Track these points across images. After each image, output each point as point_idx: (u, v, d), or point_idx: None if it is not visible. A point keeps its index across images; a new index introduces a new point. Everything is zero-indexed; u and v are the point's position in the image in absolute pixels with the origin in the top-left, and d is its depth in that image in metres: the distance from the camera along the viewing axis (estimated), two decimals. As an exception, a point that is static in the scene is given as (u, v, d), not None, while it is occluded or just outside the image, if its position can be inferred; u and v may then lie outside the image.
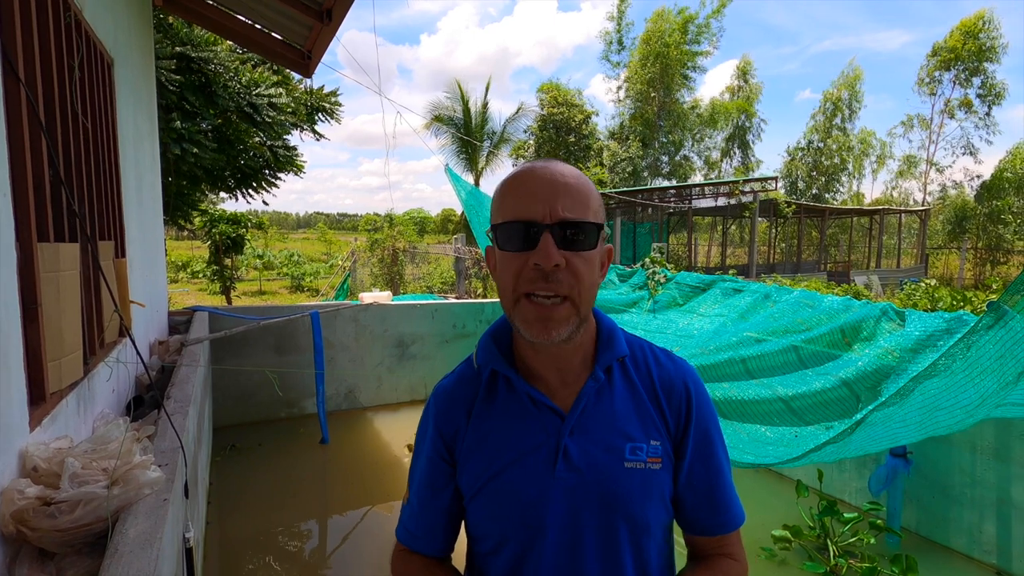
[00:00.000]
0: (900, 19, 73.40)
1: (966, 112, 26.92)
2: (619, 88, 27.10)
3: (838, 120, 29.01)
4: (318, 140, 8.57)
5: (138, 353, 1.73)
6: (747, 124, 30.15)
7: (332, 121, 8.56)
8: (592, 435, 0.79)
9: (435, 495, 0.86)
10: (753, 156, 30.64)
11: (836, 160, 29.09)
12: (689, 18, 24.78)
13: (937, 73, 26.50)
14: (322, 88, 8.33)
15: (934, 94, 27.29)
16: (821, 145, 29.24)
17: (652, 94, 24.97)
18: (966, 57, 25.01)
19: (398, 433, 4.98)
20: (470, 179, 20.37)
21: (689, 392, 0.84)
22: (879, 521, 3.16)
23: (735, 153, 30.52)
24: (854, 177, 31.39)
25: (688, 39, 24.79)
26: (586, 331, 0.82)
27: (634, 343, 0.88)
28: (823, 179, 29.53)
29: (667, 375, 0.85)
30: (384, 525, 3.57)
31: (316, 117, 8.31)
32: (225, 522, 3.49)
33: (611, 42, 27.45)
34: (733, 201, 17.85)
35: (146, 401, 2.51)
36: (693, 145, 28.24)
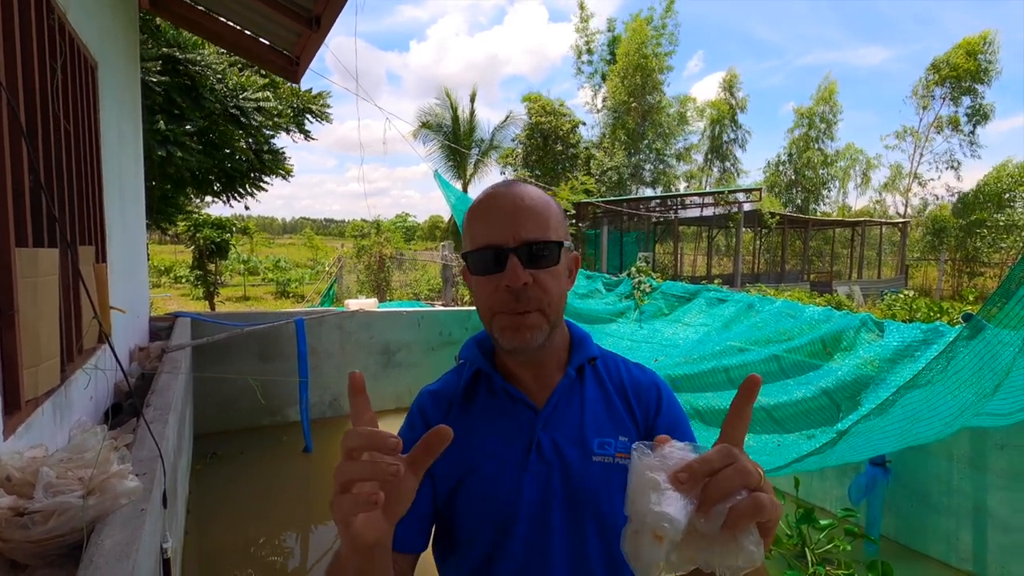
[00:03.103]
0: (880, 35, 75.22)
1: (952, 129, 27.60)
2: (595, 96, 27.52)
3: (814, 134, 29.56)
4: (307, 140, 8.54)
5: (117, 360, 1.71)
6: (730, 134, 30.61)
7: (323, 122, 8.54)
8: (563, 429, 0.84)
9: (419, 489, 0.84)
10: (733, 165, 31.10)
11: (816, 173, 29.63)
12: (647, 19, 25.31)
13: (934, 88, 27.09)
14: (310, 90, 8.31)
15: (927, 107, 27.92)
16: (801, 158, 29.79)
17: (633, 103, 25.36)
18: (964, 76, 25.61)
19: (383, 441, 4.94)
20: (458, 186, 20.39)
21: (660, 391, 0.89)
22: (856, 528, 3.20)
23: (715, 162, 31.00)
24: (843, 190, 32.04)
25: (650, 40, 25.30)
26: (559, 338, 0.87)
27: (606, 352, 0.94)
28: (804, 192, 30.06)
29: (636, 378, 0.91)
30: (367, 535, 3.53)
31: (304, 119, 8.28)
32: (204, 532, 3.43)
33: (580, 53, 27.90)
34: (720, 210, 18.08)
35: (125, 409, 2.47)
36: (674, 152, 28.62)
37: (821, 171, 29.73)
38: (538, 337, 0.79)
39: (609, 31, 27.14)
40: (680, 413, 0.90)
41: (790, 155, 30.43)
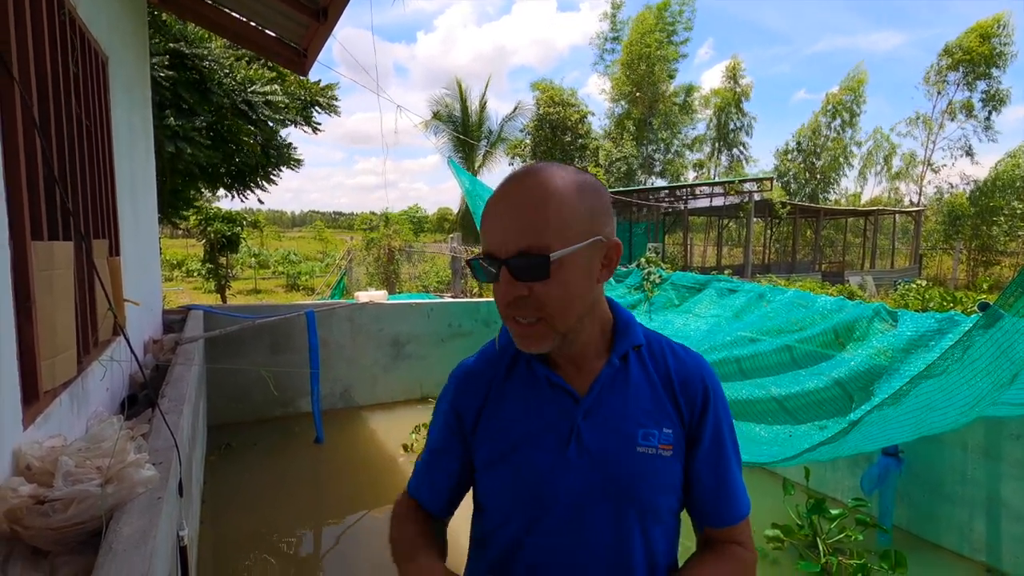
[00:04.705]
0: (893, 20, 73.76)
1: (966, 115, 27.07)
2: (613, 86, 27.27)
3: (837, 123, 29.13)
4: (316, 133, 8.53)
5: (132, 352, 1.73)
6: (736, 122, 30.28)
7: (331, 114, 8.53)
8: (606, 419, 0.82)
9: (444, 461, 0.92)
10: (742, 153, 30.82)
11: (830, 160, 29.24)
12: (663, 5, 25.02)
13: (947, 73, 26.57)
14: (319, 82, 8.28)
15: (941, 92, 27.40)
16: (813, 146, 29.41)
17: (638, 94, 25.16)
18: (978, 60, 25.07)
19: (393, 432, 4.98)
20: (467, 178, 20.32)
21: (706, 386, 0.86)
22: (868, 518, 3.18)
23: (722, 150, 30.73)
24: (863, 176, 31.63)
25: (665, 28, 25.01)
26: (594, 327, 0.84)
27: (652, 336, 0.90)
28: (816, 179, 29.70)
29: (684, 367, 0.87)
30: (379, 525, 3.57)
31: (312, 111, 8.27)
32: (219, 521, 3.49)
33: (605, 40, 27.62)
34: (729, 201, 17.92)
35: (140, 400, 2.50)
36: (682, 142, 28.39)
37: (839, 159, 29.32)
38: (544, 345, 0.78)
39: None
40: (724, 413, 0.87)
41: (799, 143, 30.07)
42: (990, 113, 26.54)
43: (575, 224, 0.74)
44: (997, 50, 24.75)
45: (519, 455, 0.82)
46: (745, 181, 18.44)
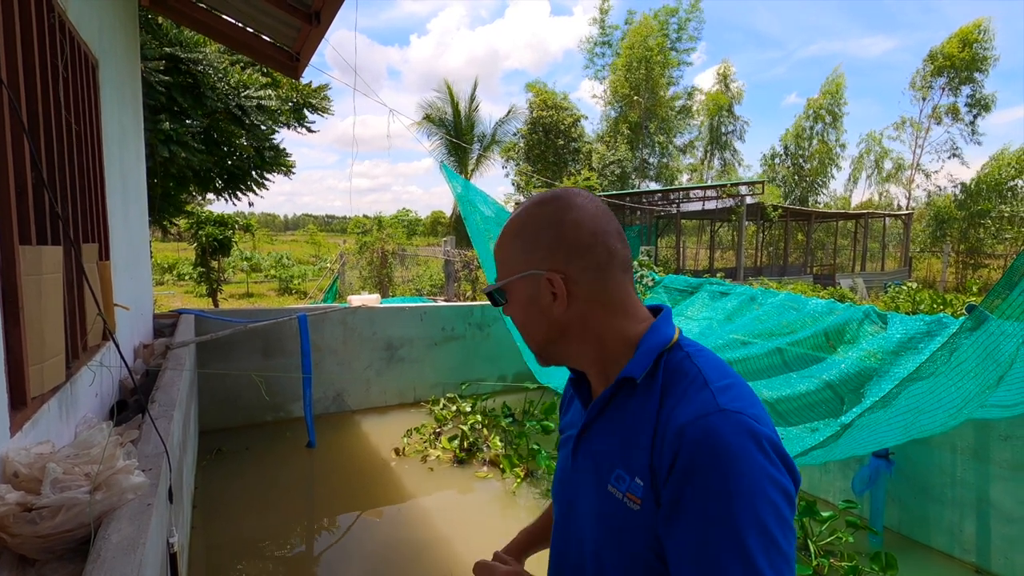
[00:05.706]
0: (885, 25, 74.43)
1: (952, 119, 27.48)
2: (605, 91, 27.46)
3: (819, 127, 29.47)
4: (309, 133, 8.51)
5: (122, 357, 1.71)
6: (729, 125, 30.57)
7: (323, 115, 8.53)
8: (593, 445, 0.80)
9: None
10: (734, 157, 31.13)
11: (815, 164, 29.56)
12: (671, 11, 25.22)
13: (932, 78, 27.03)
14: (310, 83, 8.28)
15: (926, 98, 27.84)
16: (798, 151, 29.77)
17: (636, 97, 25.32)
18: (960, 65, 25.52)
19: (386, 437, 4.96)
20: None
21: (680, 449, 0.65)
22: (858, 520, 3.20)
23: (715, 153, 31.02)
24: (853, 180, 32.00)
25: (670, 34, 25.24)
26: (590, 348, 0.80)
27: (682, 366, 0.73)
28: (805, 183, 30.00)
29: (677, 414, 0.67)
30: (371, 529, 3.55)
31: (304, 113, 8.27)
32: (210, 527, 3.46)
33: (595, 44, 27.82)
34: (722, 204, 18.04)
35: (130, 405, 2.48)
36: (676, 146, 28.61)
37: (826, 163, 29.64)
38: (541, 360, 0.86)
39: (627, 24, 27.06)
40: (713, 495, 0.62)
41: (786, 147, 30.40)
42: (975, 117, 26.95)
43: (510, 260, 0.82)
44: (979, 55, 25.17)
45: (559, 453, 0.94)
46: (738, 184, 18.57)
